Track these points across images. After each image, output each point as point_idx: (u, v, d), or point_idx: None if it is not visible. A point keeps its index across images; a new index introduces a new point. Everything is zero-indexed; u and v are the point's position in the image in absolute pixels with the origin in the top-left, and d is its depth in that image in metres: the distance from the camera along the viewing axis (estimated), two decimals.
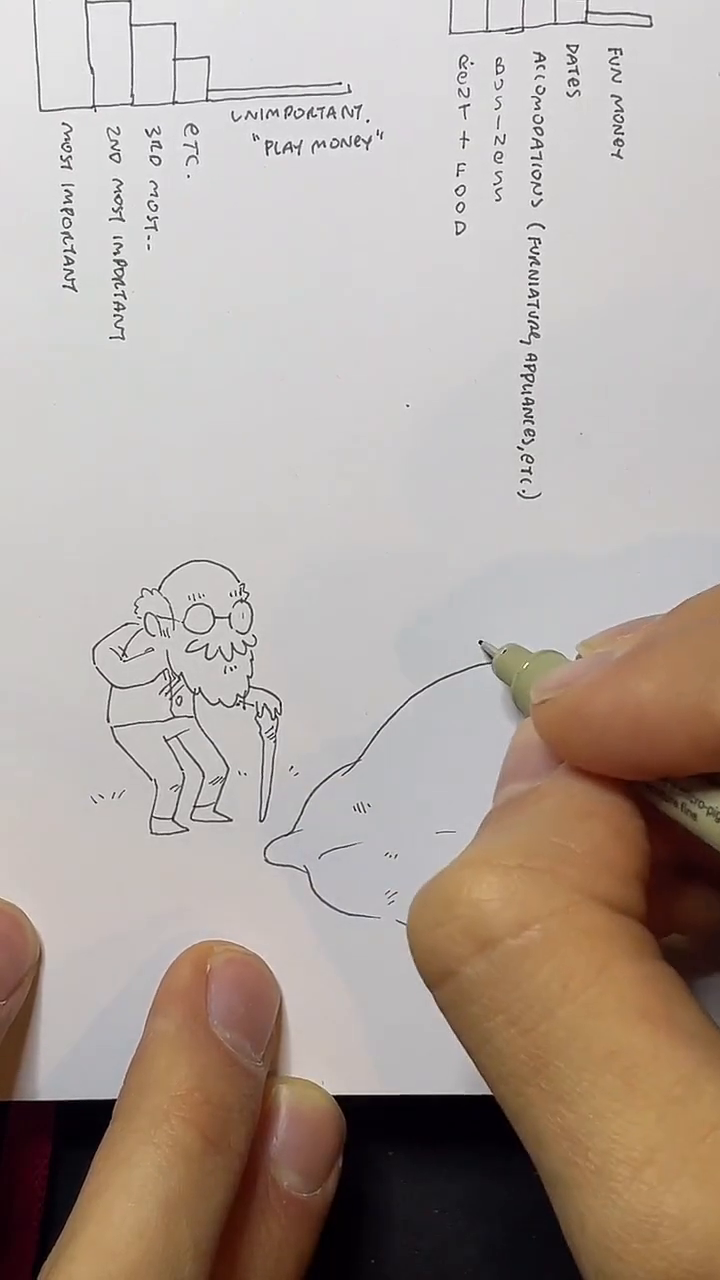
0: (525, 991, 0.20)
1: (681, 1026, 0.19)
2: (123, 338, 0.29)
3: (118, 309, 0.29)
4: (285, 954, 0.31)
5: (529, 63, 0.28)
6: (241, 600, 0.30)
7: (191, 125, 0.29)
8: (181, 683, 0.31)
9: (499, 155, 0.29)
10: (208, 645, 0.30)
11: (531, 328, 0.29)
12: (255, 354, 0.29)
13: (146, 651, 0.30)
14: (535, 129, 0.29)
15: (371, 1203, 0.34)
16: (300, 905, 0.31)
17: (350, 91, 0.29)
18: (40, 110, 0.29)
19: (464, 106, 0.29)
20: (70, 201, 0.29)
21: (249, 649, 0.30)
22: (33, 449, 0.30)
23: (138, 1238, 0.26)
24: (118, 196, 0.29)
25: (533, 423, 0.29)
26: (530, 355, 0.29)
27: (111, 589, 0.30)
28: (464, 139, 0.29)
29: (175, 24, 0.28)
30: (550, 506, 0.30)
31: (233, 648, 0.30)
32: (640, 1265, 0.18)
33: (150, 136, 0.29)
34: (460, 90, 0.29)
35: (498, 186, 0.29)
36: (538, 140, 0.29)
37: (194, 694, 0.31)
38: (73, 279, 0.29)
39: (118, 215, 0.29)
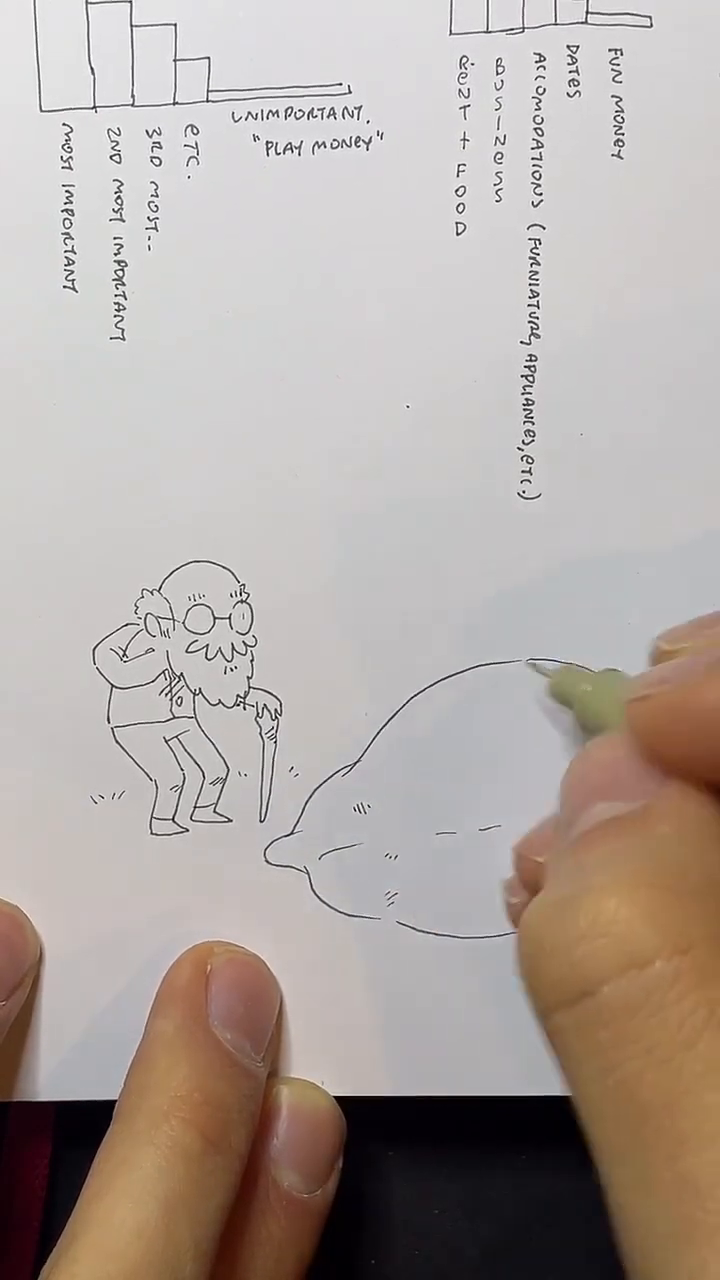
0: (668, 1018, 0.18)
1: None
2: (123, 338, 0.29)
3: (118, 309, 0.29)
4: (285, 954, 0.31)
5: (529, 63, 0.28)
6: (242, 601, 0.30)
7: (192, 126, 0.29)
8: (182, 683, 0.31)
9: (499, 156, 0.29)
10: (208, 646, 0.30)
11: (532, 328, 0.29)
12: (255, 354, 0.29)
13: (147, 652, 0.30)
14: (536, 129, 0.29)
15: (371, 1203, 0.34)
16: (300, 906, 0.31)
17: (350, 92, 0.29)
18: (41, 111, 0.29)
19: (464, 107, 0.29)
20: (71, 202, 0.29)
21: (249, 649, 0.30)
22: (33, 449, 0.30)
23: (138, 1238, 0.26)
24: (118, 197, 0.29)
25: (533, 423, 0.29)
26: (530, 356, 0.29)
27: (112, 589, 0.30)
28: (464, 139, 0.29)
29: (176, 25, 0.28)
30: (550, 507, 0.30)
31: (233, 648, 0.30)
32: None
33: (151, 137, 0.29)
34: (460, 91, 0.29)
35: (498, 187, 0.29)
36: (538, 141, 0.29)
37: (194, 694, 0.31)
38: (73, 279, 0.29)
39: (118, 216, 0.29)
